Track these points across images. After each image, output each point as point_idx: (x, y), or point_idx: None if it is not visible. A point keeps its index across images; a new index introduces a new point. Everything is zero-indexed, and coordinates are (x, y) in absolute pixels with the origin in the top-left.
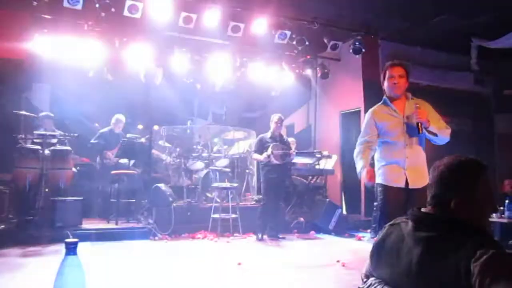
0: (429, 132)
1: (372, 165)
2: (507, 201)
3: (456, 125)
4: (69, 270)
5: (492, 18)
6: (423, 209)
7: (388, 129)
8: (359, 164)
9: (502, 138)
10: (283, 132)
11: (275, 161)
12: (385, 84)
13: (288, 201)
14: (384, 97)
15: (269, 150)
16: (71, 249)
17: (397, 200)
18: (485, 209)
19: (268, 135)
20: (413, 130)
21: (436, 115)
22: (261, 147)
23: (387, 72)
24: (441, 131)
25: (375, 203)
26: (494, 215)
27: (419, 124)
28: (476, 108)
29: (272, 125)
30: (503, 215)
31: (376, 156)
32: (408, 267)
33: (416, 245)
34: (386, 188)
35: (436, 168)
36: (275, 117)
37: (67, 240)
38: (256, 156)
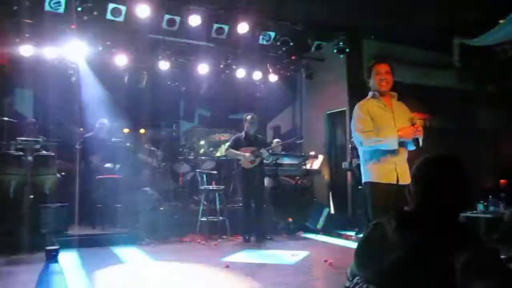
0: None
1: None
2: (490, 196)
3: (439, 122)
4: (50, 277)
5: (474, 16)
6: (405, 208)
7: (380, 124)
8: (389, 140)
9: (485, 134)
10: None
11: (245, 166)
12: (372, 82)
13: (275, 201)
14: (371, 93)
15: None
16: (52, 257)
17: (388, 196)
18: (465, 206)
19: (242, 135)
20: (409, 145)
21: (416, 120)
22: (235, 146)
23: (374, 69)
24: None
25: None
26: (478, 210)
27: (419, 140)
28: (459, 105)
29: (245, 125)
30: (487, 210)
31: (365, 152)
32: (392, 267)
33: (399, 244)
34: (376, 185)
35: (417, 166)
36: (247, 117)
37: (47, 247)
38: (230, 152)
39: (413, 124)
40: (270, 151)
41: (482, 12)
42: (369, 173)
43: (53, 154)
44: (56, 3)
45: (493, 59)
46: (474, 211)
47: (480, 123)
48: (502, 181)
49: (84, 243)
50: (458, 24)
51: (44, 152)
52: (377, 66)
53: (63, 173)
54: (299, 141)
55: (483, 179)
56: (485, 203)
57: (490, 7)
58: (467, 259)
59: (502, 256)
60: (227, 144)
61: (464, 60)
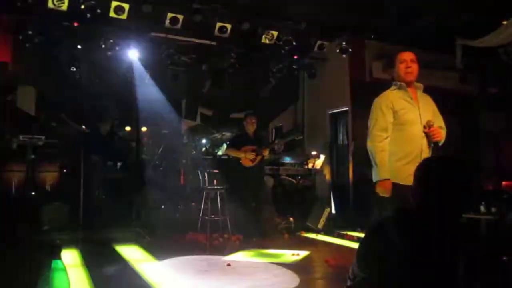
0: None
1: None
2: (493, 198)
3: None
4: (53, 274)
5: (476, 17)
6: (408, 208)
7: (405, 118)
8: (381, 170)
9: (487, 135)
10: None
11: (245, 165)
12: (396, 71)
13: (276, 201)
14: (398, 83)
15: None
16: (55, 253)
17: (407, 198)
18: (467, 207)
19: (243, 134)
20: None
21: (439, 114)
22: (235, 145)
23: (398, 58)
24: (442, 140)
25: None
26: (481, 211)
27: (437, 144)
28: (462, 106)
29: (246, 124)
30: (489, 212)
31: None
32: (394, 267)
33: (401, 245)
34: (397, 186)
35: (419, 169)
36: (247, 116)
37: (50, 243)
38: (231, 150)
39: (429, 127)
40: (273, 150)
41: (485, 13)
42: (391, 171)
43: (55, 151)
44: (59, 0)
45: (496, 61)
46: (476, 213)
47: (482, 125)
48: (504, 183)
49: (85, 241)
50: (461, 25)
51: (46, 149)
52: (402, 54)
53: (65, 170)
54: (298, 138)
55: (485, 181)
56: (487, 205)
57: (493, 8)
58: (469, 260)
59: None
60: (228, 143)
61: (466, 61)
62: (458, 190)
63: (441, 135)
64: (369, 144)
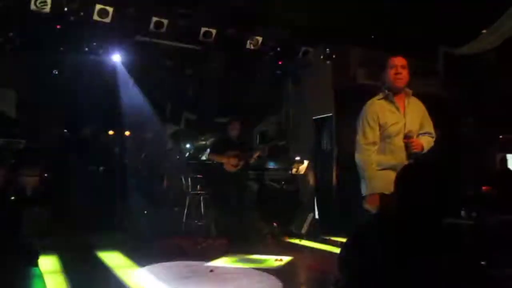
0: None
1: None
2: (474, 203)
3: None
4: (29, 281)
5: (458, 25)
6: (388, 215)
7: (390, 130)
8: (371, 184)
9: (469, 141)
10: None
11: (229, 170)
12: (385, 77)
13: (260, 206)
14: (386, 91)
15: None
16: (32, 260)
17: (390, 208)
18: (446, 213)
19: (226, 138)
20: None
21: (429, 120)
22: (218, 150)
23: (388, 63)
24: (427, 148)
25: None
26: (462, 216)
27: (416, 154)
28: (443, 112)
29: (229, 129)
30: (470, 217)
31: None
32: (376, 271)
33: (383, 249)
34: (380, 196)
35: (399, 176)
36: (231, 120)
37: (27, 251)
38: (214, 155)
39: (408, 138)
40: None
41: (466, 22)
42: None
43: (37, 155)
44: (42, 2)
45: (477, 68)
46: (457, 218)
47: (463, 130)
48: (484, 187)
49: (66, 247)
50: (443, 33)
51: (27, 153)
52: (392, 59)
53: (46, 175)
54: (282, 143)
55: (466, 186)
56: (467, 210)
57: (474, 18)
58: (449, 264)
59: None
60: (210, 148)
61: (449, 68)
62: (437, 196)
63: (420, 146)
64: (357, 157)
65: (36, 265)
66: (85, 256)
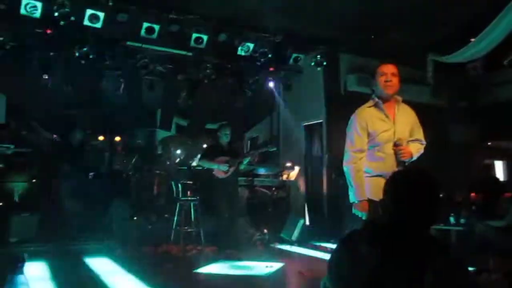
0: None
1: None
2: (462, 209)
3: None
4: None
5: (446, 34)
6: (377, 221)
7: (379, 138)
8: (358, 192)
9: (458, 148)
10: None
11: (219, 176)
12: (376, 84)
13: (251, 213)
14: (376, 99)
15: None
16: (17, 268)
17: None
18: (435, 219)
19: (217, 145)
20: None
21: (419, 127)
22: (209, 156)
23: (378, 71)
24: (417, 154)
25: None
26: (451, 222)
27: (404, 162)
28: (433, 119)
29: (219, 134)
30: (459, 223)
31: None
32: (365, 279)
33: (371, 257)
34: (370, 203)
35: (388, 182)
36: (221, 126)
37: (13, 258)
38: (204, 161)
39: (397, 146)
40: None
41: (455, 30)
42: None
43: (25, 160)
44: (32, 7)
45: (465, 76)
46: (446, 224)
47: (453, 138)
48: (472, 194)
49: (54, 253)
50: (432, 41)
51: (16, 158)
52: (382, 67)
53: (34, 180)
54: (272, 149)
55: (455, 193)
56: (457, 216)
57: (463, 26)
58: (437, 271)
59: (471, 269)
60: (202, 153)
61: (437, 76)
62: (426, 202)
63: (409, 154)
64: (345, 165)
65: (22, 272)
66: (73, 262)
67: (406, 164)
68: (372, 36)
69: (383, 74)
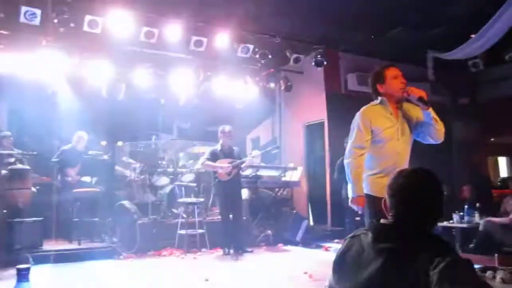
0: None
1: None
2: (466, 206)
3: None
4: None
5: (446, 31)
6: (382, 220)
7: (382, 135)
8: (356, 187)
9: (459, 145)
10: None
11: (222, 179)
12: (389, 86)
13: (254, 214)
14: (381, 97)
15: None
16: (23, 275)
17: (382, 211)
18: (438, 218)
19: (218, 148)
20: (425, 116)
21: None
22: (211, 159)
23: (388, 74)
24: (438, 122)
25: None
26: (454, 220)
27: (421, 98)
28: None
29: (221, 137)
30: (463, 220)
31: (366, 160)
32: (369, 279)
33: (376, 257)
34: (374, 199)
35: (393, 179)
36: (223, 129)
37: (17, 265)
38: (206, 164)
39: (406, 92)
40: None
41: (454, 27)
42: (367, 185)
43: (28, 167)
44: (31, 14)
45: (465, 73)
46: (450, 221)
47: (454, 135)
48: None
49: (59, 259)
50: (432, 38)
51: (18, 165)
52: (391, 69)
53: (38, 187)
54: (275, 151)
55: (457, 190)
56: (461, 213)
57: (462, 23)
58: (441, 269)
59: (476, 266)
60: (204, 156)
61: (437, 73)
62: (430, 201)
63: (419, 91)
64: (345, 160)
65: (27, 279)
66: (77, 268)
67: (424, 102)
68: (372, 36)
69: (396, 77)
